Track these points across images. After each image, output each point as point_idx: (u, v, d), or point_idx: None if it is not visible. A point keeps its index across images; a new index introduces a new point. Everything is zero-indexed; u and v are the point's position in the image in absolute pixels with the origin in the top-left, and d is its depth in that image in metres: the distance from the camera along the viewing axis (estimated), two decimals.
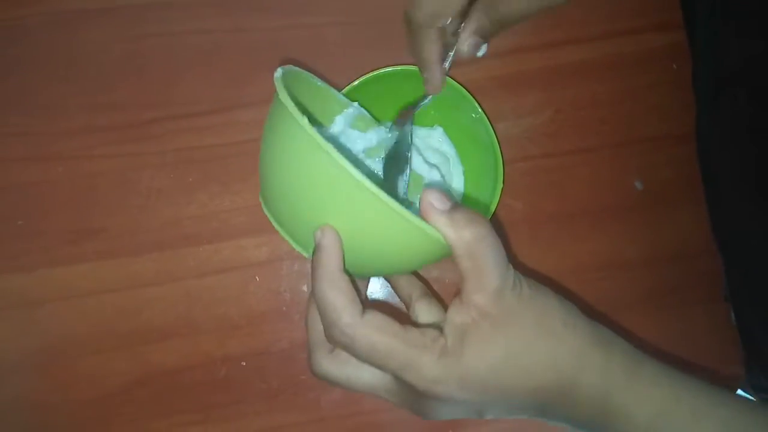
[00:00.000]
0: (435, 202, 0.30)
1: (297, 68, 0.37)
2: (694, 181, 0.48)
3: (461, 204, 0.31)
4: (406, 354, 0.29)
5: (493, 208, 0.42)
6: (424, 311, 0.35)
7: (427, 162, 0.46)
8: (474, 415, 0.31)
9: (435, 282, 0.48)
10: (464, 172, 0.47)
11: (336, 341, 0.30)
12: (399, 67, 0.43)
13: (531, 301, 0.31)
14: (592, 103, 0.49)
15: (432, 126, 0.47)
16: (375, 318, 0.29)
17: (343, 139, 0.42)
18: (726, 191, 0.45)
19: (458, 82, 0.43)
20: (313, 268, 0.30)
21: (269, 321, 0.48)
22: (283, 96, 0.30)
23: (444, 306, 0.36)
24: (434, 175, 0.46)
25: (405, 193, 0.41)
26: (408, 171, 0.41)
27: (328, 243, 0.30)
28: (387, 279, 0.39)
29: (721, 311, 0.48)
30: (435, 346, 0.29)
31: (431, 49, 0.37)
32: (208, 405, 0.47)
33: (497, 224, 0.48)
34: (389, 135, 0.43)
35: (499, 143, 0.43)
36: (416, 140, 0.46)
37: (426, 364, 0.29)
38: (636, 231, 0.49)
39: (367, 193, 0.28)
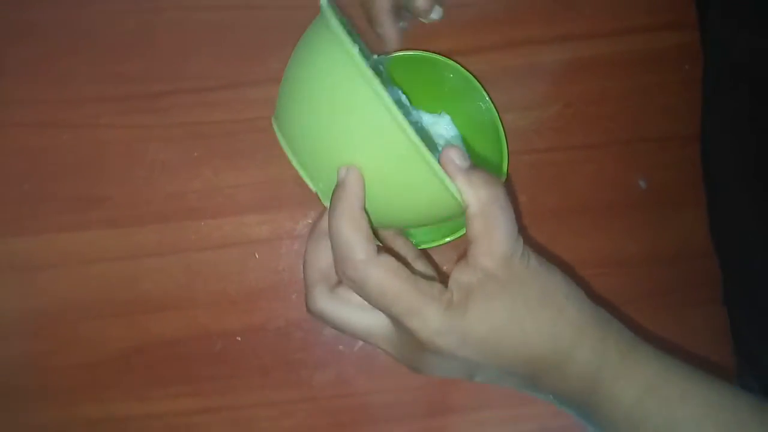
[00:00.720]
0: (456, 158, 0.30)
1: (335, 6, 0.36)
2: (699, 183, 0.48)
3: (479, 166, 0.31)
4: (414, 300, 0.29)
5: None
6: (421, 272, 0.35)
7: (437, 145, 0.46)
8: (465, 376, 0.32)
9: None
10: None
11: (347, 277, 0.30)
12: (409, 53, 0.43)
13: (537, 272, 0.31)
14: (601, 99, 0.49)
15: (439, 113, 0.47)
16: (388, 260, 0.29)
17: None
18: (724, 188, 0.45)
19: (468, 71, 0.43)
20: (333, 204, 0.30)
21: (266, 298, 0.48)
22: (333, 21, 0.29)
23: (439, 270, 0.36)
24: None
25: None
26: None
27: (352, 180, 0.29)
28: (381, 242, 0.38)
29: (718, 314, 0.48)
30: (442, 298, 0.29)
31: (383, 1, 0.37)
32: (201, 377, 0.48)
33: None
34: None
35: (505, 134, 0.43)
36: (423, 126, 0.46)
37: (432, 314, 0.29)
38: (637, 230, 0.49)
39: (402, 135, 0.27)
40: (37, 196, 0.48)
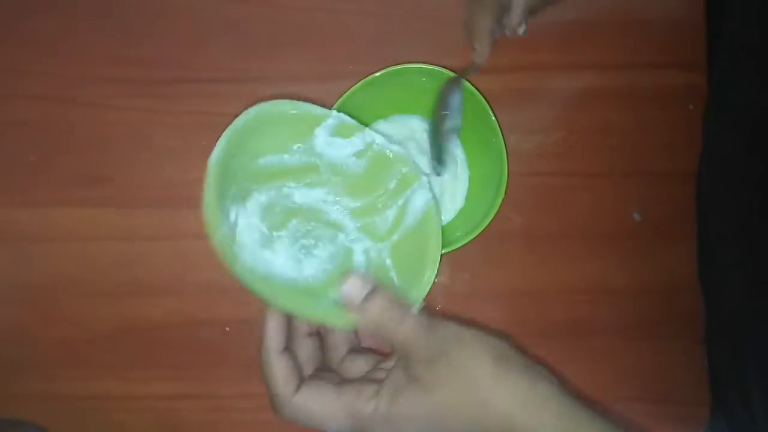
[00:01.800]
0: (352, 292, 0.32)
1: (262, 106, 0.37)
2: (691, 220, 0.49)
3: (377, 288, 0.33)
4: (343, 415, 0.32)
5: (491, 216, 0.43)
6: (355, 367, 0.37)
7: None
8: None
9: None
10: (470, 177, 0.48)
11: (278, 412, 0.34)
12: (423, 66, 0.44)
13: (459, 364, 0.31)
14: (605, 129, 0.50)
15: None
16: (307, 392, 0.33)
17: (328, 149, 0.41)
18: (714, 230, 0.46)
19: (477, 90, 0.44)
20: (260, 344, 0.35)
21: None
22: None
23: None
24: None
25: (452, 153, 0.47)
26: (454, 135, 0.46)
27: (270, 327, 0.35)
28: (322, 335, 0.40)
29: (697, 351, 0.49)
30: (369, 404, 0.32)
31: (487, 20, 0.41)
32: (186, 364, 0.48)
33: (494, 235, 0.49)
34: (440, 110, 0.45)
35: (507, 155, 0.44)
36: (427, 138, 0.47)
37: (364, 418, 0.32)
38: (627, 260, 0.50)
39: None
40: (41, 169, 0.49)
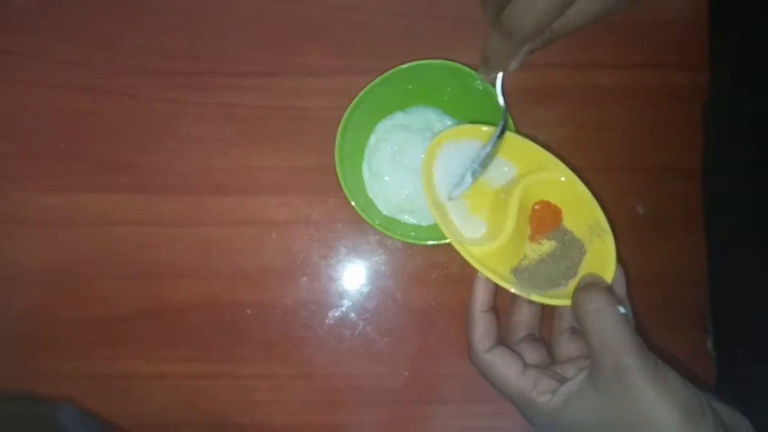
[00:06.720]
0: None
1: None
2: (691, 214, 0.51)
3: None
4: (517, 396, 0.37)
5: None
6: (564, 346, 0.41)
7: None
8: None
9: (437, 266, 0.51)
10: None
11: (469, 356, 0.40)
12: (429, 61, 0.46)
13: (639, 399, 0.32)
14: (611, 126, 0.52)
15: (459, 121, 0.50)
16: (497, 355, 0.39)
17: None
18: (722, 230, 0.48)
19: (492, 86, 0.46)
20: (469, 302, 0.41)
21: (278, 277, 0.51)
22: None
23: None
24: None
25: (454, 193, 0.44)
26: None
27: (478, 287, 0.40)
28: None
29: (698, 339, 0.51)
30: (541, 399, 0.36)
31: (516, 58, 0.38)
32: (208, 345, 0.51)
33: None
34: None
35: None
36: None
37: (532, 411, 0.37)
38: (630, 252, 0.52)
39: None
40: (72, 155, 0.51)
